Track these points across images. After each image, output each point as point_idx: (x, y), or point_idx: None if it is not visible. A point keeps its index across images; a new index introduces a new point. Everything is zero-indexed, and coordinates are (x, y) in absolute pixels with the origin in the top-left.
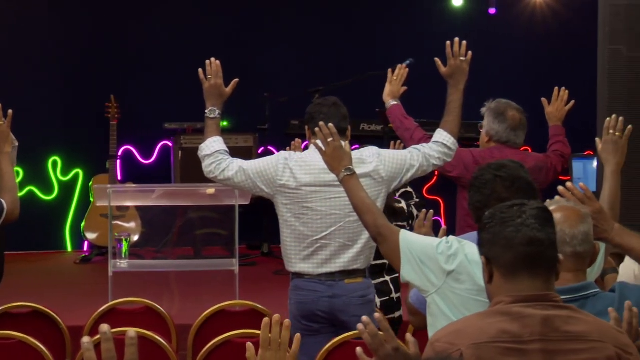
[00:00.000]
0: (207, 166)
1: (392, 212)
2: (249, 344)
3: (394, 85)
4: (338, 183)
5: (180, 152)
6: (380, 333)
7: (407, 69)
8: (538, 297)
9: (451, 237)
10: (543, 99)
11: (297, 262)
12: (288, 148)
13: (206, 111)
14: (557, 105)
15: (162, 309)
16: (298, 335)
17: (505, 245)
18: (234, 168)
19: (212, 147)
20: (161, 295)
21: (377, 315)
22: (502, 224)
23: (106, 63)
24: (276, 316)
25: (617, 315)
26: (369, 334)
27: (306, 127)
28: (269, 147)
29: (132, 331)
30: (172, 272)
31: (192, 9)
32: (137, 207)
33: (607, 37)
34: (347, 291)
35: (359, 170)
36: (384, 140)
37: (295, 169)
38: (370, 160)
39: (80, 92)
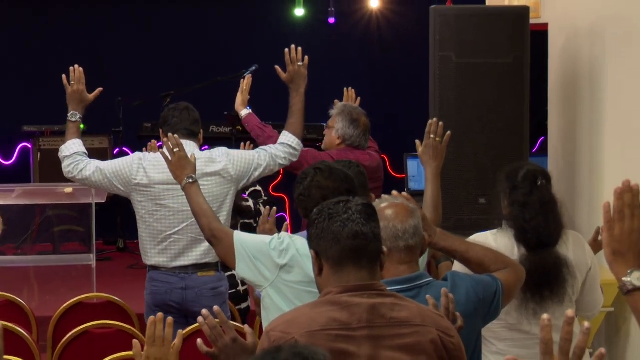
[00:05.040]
0: (66, 167)
1: (239, 210)
2: (135, 341)
3: (244, 95)
4: None
5: (39, 154)
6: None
7: (251, 77)
8: (364, 287)
9: (283, 233)
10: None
11: (152, 255)
12: (144, 149)
13: (68, 114)
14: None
15: (22, 302)
16: (180, 331)
17: (332, 239)
18: (91, 168)
19: (71, 149)
20: (22, 289)
21: (215, 308)
22: (330, 219)
23: None
24: (160, 314)
25: (434, 301)
26: (208, 326)
27: (160, 130)
28: (124, 148)
29: None
30: (31, 268)
31: (45, 13)
32: None
33: (437, 45)
34: (199, 283)
35: (209, 169)
36: (232, 141)
37: (149, 168)
38: (219, 159)
39: None
